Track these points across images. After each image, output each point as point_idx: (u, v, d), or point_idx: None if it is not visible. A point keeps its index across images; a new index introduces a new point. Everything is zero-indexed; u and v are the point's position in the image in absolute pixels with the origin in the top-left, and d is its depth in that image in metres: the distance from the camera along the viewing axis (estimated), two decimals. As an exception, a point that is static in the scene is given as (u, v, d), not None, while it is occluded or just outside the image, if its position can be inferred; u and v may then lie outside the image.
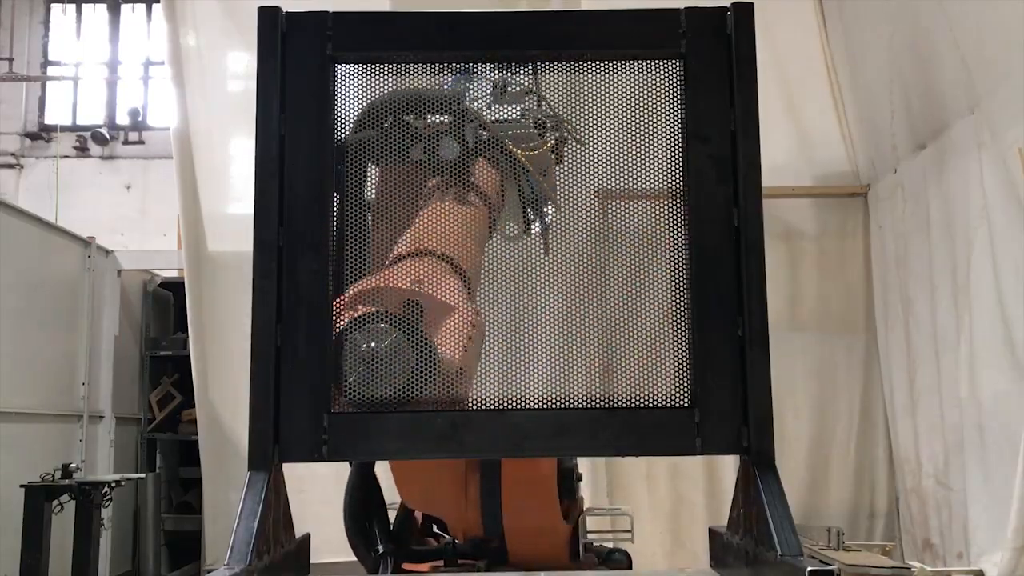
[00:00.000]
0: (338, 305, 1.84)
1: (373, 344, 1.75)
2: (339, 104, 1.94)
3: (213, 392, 5.60)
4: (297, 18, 1.95)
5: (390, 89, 1.98)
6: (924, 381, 4.68)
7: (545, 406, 1.84)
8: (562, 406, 1.84)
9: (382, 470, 2.55)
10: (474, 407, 1.86)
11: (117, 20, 11.86)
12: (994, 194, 3.91)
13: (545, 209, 2.08)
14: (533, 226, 2.07)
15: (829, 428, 5.40)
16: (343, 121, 1.95)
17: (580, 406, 1.83)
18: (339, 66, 1.94)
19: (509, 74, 2.01)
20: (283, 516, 1.85)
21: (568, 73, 2.01)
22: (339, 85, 1.94)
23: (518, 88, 2.02)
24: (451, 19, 1.97)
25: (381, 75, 1.98)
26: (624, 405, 1.83)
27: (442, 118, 2.03)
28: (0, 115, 11.32)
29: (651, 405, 1.83)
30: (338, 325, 1.81)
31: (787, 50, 5.55)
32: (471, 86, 2.02)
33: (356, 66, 1.96)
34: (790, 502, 1.74)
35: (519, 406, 1.84)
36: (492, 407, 1.85)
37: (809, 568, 1.52)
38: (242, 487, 1.75)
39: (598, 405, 1.83)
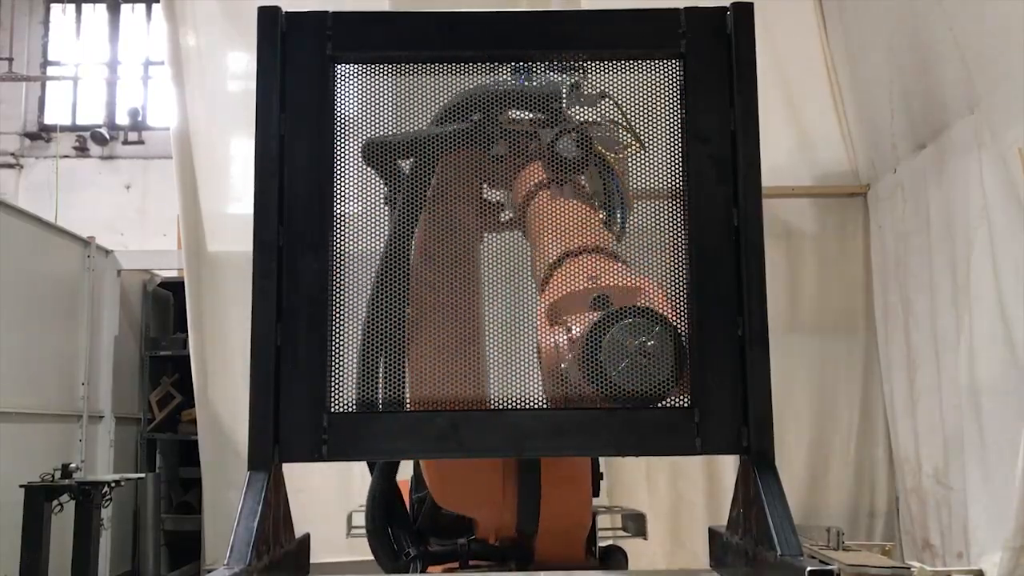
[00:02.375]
0: (549, 307, 1.81)
1: (643, 339, 1.72)
2: (339, 104, 1.94)
3: (213, 392, 5.60)
4: (297, 18, 1.95)
5: (476, 84, 1.96)
6: (924, 381, 4.68)
7: (545, 406, 1.84)
8: (562, 406, 1.83)
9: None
10: (474, 407, 1.86)
11: (117, 20, 11.87)
12: (994, 194, 3.91)
13: (627, 215, 2.05)
14: (614, 229, 2.05)
15: (829, 428, 5.40)
16: (343, 120, 1.94)
17: (580, 406, 1.83)
18: (339, 66, 1.94)
19: (581, 74, 1.99)
20: (283, 516, 1.85)
21: (568, 73, 2.01)
22: (339, 85, 1.94)
23: (593, 91, 2.00)
24: (451, 19, 1.97)
25: (381, 75, 1.98)
26: (630, 400, 1.82)
27: (526, 115, 2.00)
28: (0, 115, 11.31)
29: (656, 400, 1.83)
30: (572, 322, 1.77)
31: (787, 50, 5.55)
32: (551, 89, 1.99)
33: (356, 66, 1.96)
34: (790, 502, 1.74)
35: (519, 406, 1.84)
36: (492, 407, 1.85)
37: (809, 568, 1.52)
38: (242, 487, 1.75)
39: (598, 405, 1.83)
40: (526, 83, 1.98)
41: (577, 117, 2.03)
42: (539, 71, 2.00)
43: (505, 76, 1.99)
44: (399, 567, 2.38)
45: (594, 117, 2.04)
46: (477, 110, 1.97)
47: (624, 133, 1.98)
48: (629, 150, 1.98)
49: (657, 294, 1.83)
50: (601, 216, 2.03)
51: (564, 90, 2.01)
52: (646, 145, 1.93)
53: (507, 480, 2.20)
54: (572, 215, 1.99)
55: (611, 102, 1.98)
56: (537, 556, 2.28)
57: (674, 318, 1.78)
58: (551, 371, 1.80)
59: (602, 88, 1.99)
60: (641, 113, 1.94)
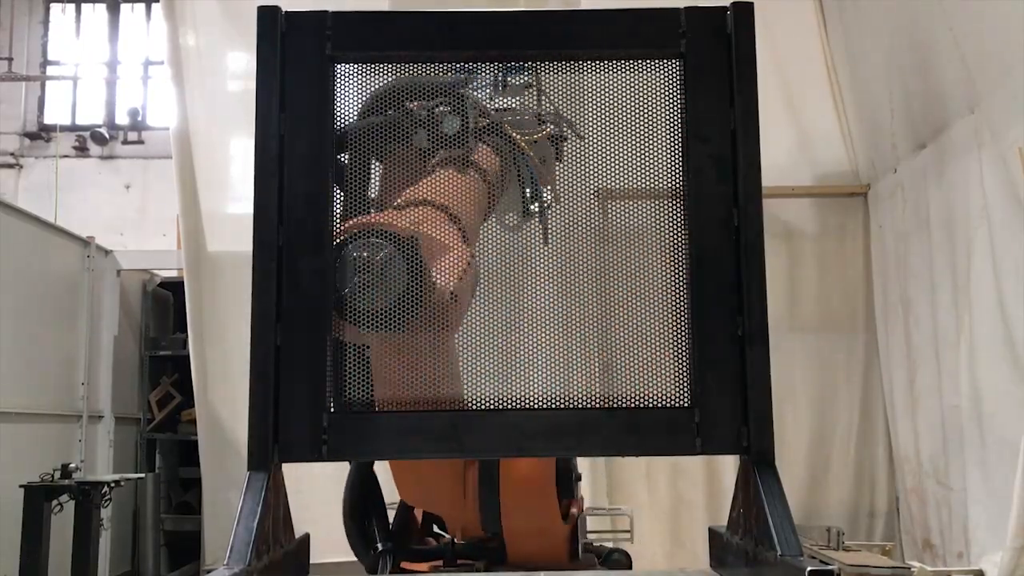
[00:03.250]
0: (337, 232, 1.85)
1: (368, 254, 1.75)
2: (339, 104, 1.94)
3: (213, 392, 5.60)
4: (296, 18, 1.95)
5: (393, 79, 1.99)
6: (924, 381, 4.68)
7: (545, 406, 1.84)
8: (562, 406, 1.83)
9: (381, 469, 2.55)
10: (474, 407, 1.85)
11: (116, 20, 11.86)
12: (994, 194, 3.91)
13: (545, 197, 2.09)
14: (532, 210, 2.09)
15: (829, 428, 5.40)
16: (343, 119, 1.94)
17: (580, 406, 1.83)
18: (338, 65, 1.94)
19: (511, 71, 2.02)
20: (283, 516, 1.84)
21: (568, 73, 2.01)
22: (339, 85, 1.94)
23: (518, 83, 2.03)
24: (451, 19, 1.97)
25: (381, 75, 1.98)
26: (624, 405, 1.83)
27: (444, 103, 2.05)
28: (0, 115, 11.31)
29: (651, 405, 1.83)
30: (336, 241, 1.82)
31: (787, 50, 5.55)
32: (472, 80, 2.04)
33: (356, 66, 1.96)
34: (790, 502, 1.74)
35: (519, 406, 1.84)
36: (492, 407, 1.85)
37: (809, 568, 1.52)
38: (242, 487, 1.75)
39: (598, 405, 1.83)
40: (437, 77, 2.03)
41: (499, 106, 2.10)
42: (481, 70, 2.05)
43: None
44: (371, 561, 2.38)
45: (517, 105, 2.11)
46: (391, 104, 2.00)
47: (555, 121, 2.06)
48: (546, 135, 2.07)
49: (459, 256, 1.84)
50: (484, 193, 2.08)
51: (481, 82, 2.04)
52: (583, 136, 1.96)
53: (468, 480, 2.21)
54: (440, 180, 2.02)
55: (535, 91, 2.03)
56: (510, 556, 2.29)
57: (441, 267, 1.80)
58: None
59: (527, 79, 2.02)
60: (641, 112, 1.94)
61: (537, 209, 2.09)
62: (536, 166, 2.09)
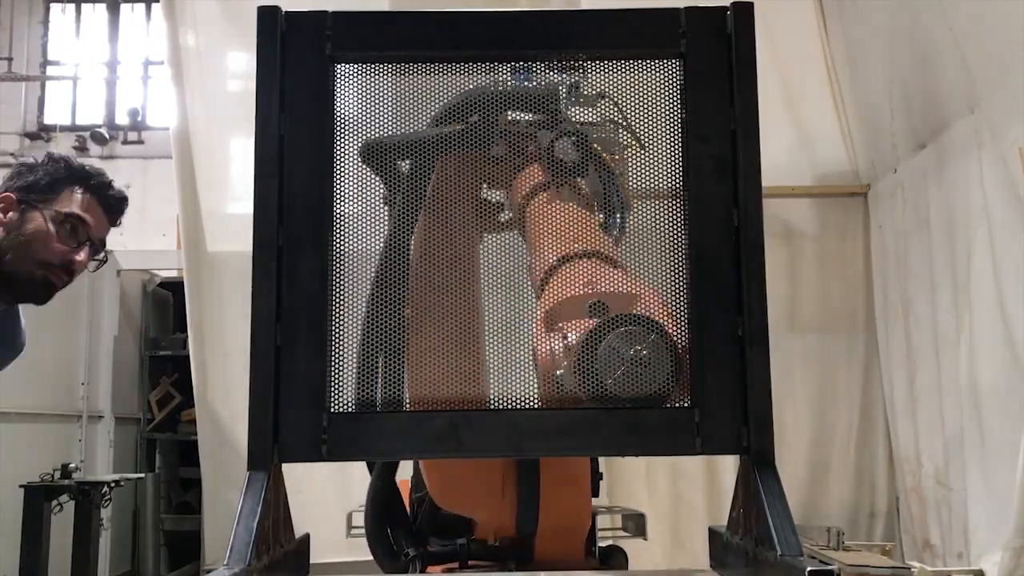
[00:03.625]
0: (545, 318, 1.82)
1: (638, 347, 1.73)
2: (339, 104, 1.93)
3: (212, 392, 5.59)
4: (296, 18, 1.94)
5: (474, 85, 1.96)
6: (924, 381, 4.68)
7: (545, 406, 1.83)
8: (562, 406, 1.83)
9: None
10: (474, 407, 1.85)
11: (116, 20, 11.86)
12: (994, 194, 3.91)
13: (627, 216, 2.04)
14: (612, 232, 2.04)
15: (829, 428, 5.40)
16: (343, 120, 1.94)
17: (580, 406, 1.83)
18: (339, 66, 1.94)
19: (579, 74, 1.98)
20: (283, 516, 1.84)
21: (567, 73, 2.01)
22: (339, 85, 1.94)
23: (591, 91, 2.00)
24: (451, 19, 1.97)
25: (381, 75, 1.97)
26: (624, 405, 1.82)
27: (527, 116, 2.00)
28: (-1, 115, 11.32)
29: (651, 405, 1.82)
30: (566, 330, 1.78)
31: (787, 50, 5.55)
32: (536, 83, 1.99)
33: (356, 66, 1.95)
34: (790, 502, 1.74)
35: (519, 406, 1.84)
36: (492, 407, 1.85)
37: (809, 568, 1.51)
38: (242, 487, 1.75)
39: (598, 405, 1.83)
40: (525, 84, 1.98)
41: (576, 118, 2.03)
42: (539, 71, 2.00)
43: (504, 76, 1.98)
44: (398, 567, 2.38)
45: (592, 117, 2.03)
46: (475, 111, 1.96)
47: (623, 133, 1.98)
48: (628, 151, 1.97)
49: (654, 301, 1.83)
50: (599, 219, 2.02)
51: (562, 91, 2.00)
52: (645, 145, 1.93)
53: (506, 480, 2.20)
54: (569, 218, 1.98)
55: (610, 102, 1.97)
56: (536, 556, 2.28)
57: (671, 326, 1.78)
58: (547, 377, 1.80)
59: (601, 88, 1.98)
60: (641, 113, 1.94)
61: (619, 229, 2.04)
62: (623, 188, 2.04)
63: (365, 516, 2.47)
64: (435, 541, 2.46)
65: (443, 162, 1.98)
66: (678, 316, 1.85)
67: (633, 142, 1.95)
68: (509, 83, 1.97)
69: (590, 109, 2.02)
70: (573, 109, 2.04)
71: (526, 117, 2.02)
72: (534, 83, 1.99)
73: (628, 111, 1.95)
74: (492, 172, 2.02)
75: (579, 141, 1.97)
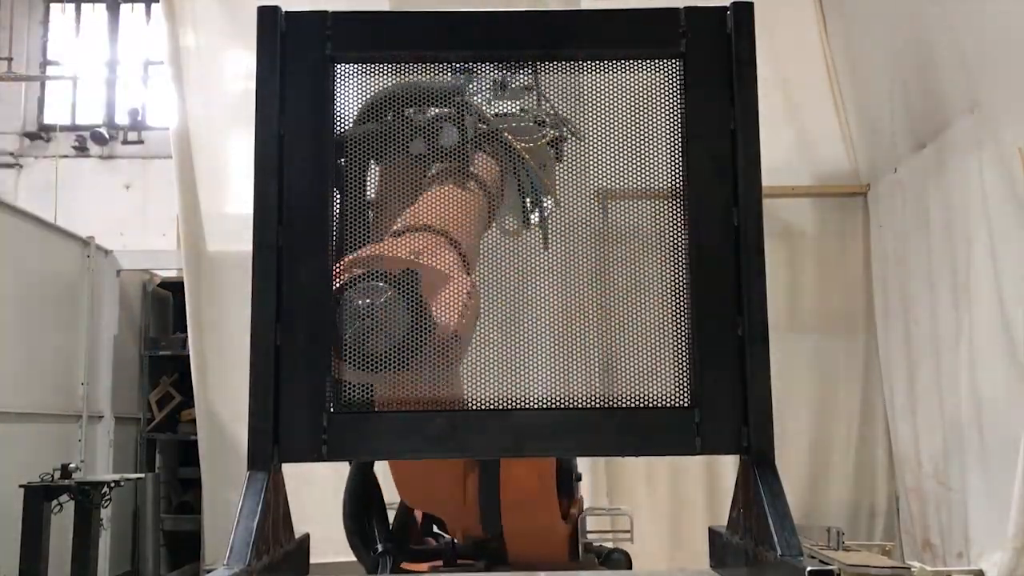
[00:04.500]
0: (336, 271, 1.83)
1: (368, 300, 1.73)
2: (338, 104, 1.93)
3: (212, 392, 5.59)
4: (296, 17, 1.94)
5: (390, 84, 1.98)
6: (924, 381, 4.68)
7: (545, 406, 1.83)
8: (562, 406, 1.83)
9: (381, 469, 2.55)
10: (474, 407, 1.85)
11: (116, 20, 11.85)
12: (994, 194, 3.91)
13: (544, 203, 2.07)
14: (532, 218, 2.07)
15: (829, 428, 5.40)
16: (343, 120, 1.94)
17: (580, 406, 1.83)
18: (338, 66, 1.94)
19: (509, 73, 2.01)
20: (283, 516, 1.84)
21: (568, 73, 2.01)
22: (338, 85, 1.94)
23: (518, 85, 2.02)
24: (451, 19, 1.97)
25: (381, 75, 1.97)
26: (624, 405, 1.83)
27: (443, 111, 2.03)
28: (-1, 115, 11.31)
29: (651, 405, 1.83)
30: (335, 285, 1.80)
31: (787, 50, 5.55)
32: (471, 83, 2.02)
33: (356, 66, 1.95)
34: (790, 502, 1.74)
35: (519, 406, 1.83)
36: (492, 407, 1.85)
37: (809, 568, 1.51)
38: (241, 487, 1.74)
39: (598, 405, 1.83)
40: (435, 80, 2.00)
41: (499, 110, 2.07)
42: (479, 71, 2.02)
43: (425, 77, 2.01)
44: (371, 562, 2.38)
45: (517, 110, 2.07)
46: (388, 110, 1.98)
47: (555, 123, 2.01)
48: (546, 141, 2.03)
49: (460, 286, 1.83)
50: (483, 206, 2.04)
51: (477, 86, 2.02)
52: (580, 136, 1.95)
53: (468, 480, 2.21)
54: (438, 198, 1.99)
55: (536, 94, 2.00)
56: (511, 556, 2.28)
57: (442, 303, 1.78)
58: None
59: (527, 82, 2.01)
60: (642, 112, 1.94)
61: (538, 216, 2.07)
62: (537, 174, 2.07)
63: (343, 513, 2.47)
64: (411, 541, 2.47)
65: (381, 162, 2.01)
66: (678, 317, 1.85)
67: (569, 133, 1.99)
68: (423, 80, 2.00)
69: (516, 102, 2.05)
70: (498, 103, 2.07)
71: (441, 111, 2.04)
72: (449, 78, 2.01)
73: (554, 103, 1.99)
74: (416, 170, 2.03)
75: (464, 128, 1.99)
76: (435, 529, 2.56)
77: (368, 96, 1.97)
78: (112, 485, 5.34)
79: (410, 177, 2.04)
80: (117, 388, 6.63)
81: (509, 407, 1.83)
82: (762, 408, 1.80)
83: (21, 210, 5.80)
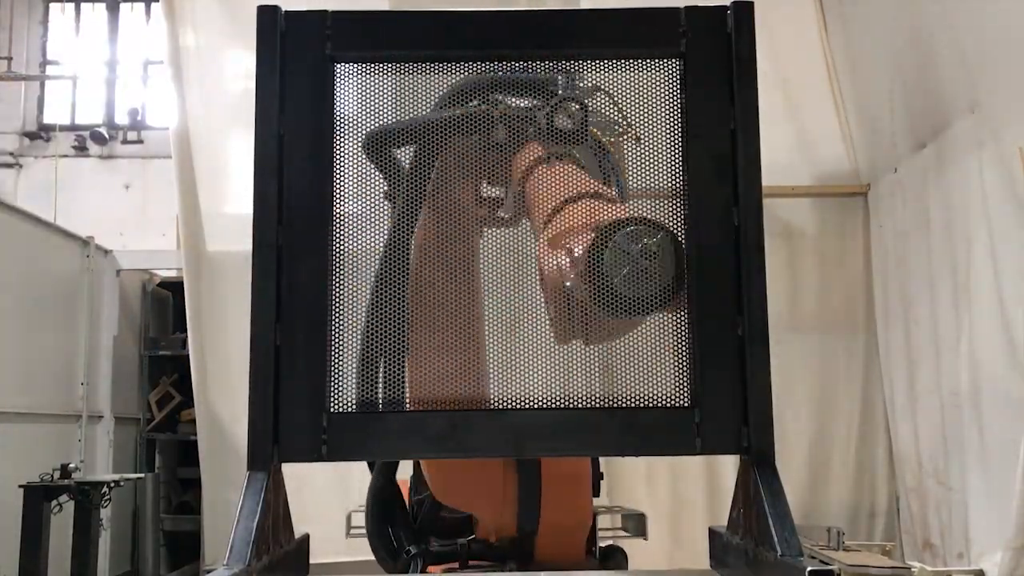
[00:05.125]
0: (552, 234, 1.80)
1: (647, 240, 1.69)
2: (338, 103, 1.93)
3: (212, 392, 5.59)
4: (296, 17, 1.94)
5: (473, 75, 1.97)
6: (924, 381, 4.68)
7: (545, 406, 1.83)
8: (562, 406, 1.83)
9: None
10: (473, 407, 1.85)
11: (116, 19, 11.85)
12: (994, 194, 3.91)
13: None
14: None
15: (829, 428, 5.40)
16: (342, 120, 1.94)
17: (580, 406, 1.83)
18: (338, 65, 1.94)
19: (573, 70, 1.99)
20: (282, 516, 1.84)
21: (567, 73, 2.01)
22: (338, 84, 1.93)
23: (587, 85, 2.00)
24: (451, 18, 1.97)
25: (380, 74, 1.97)
26: (624, 405, 1.82)
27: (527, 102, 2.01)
28: (-1, 114, 11.31)
29: (651, 405, 1.82)
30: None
31: (787, 49, 5.55)
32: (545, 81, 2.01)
33: (355, 65, 1.95)
34: (790, 502, 1.74)
35: (519, 406, 1.83)
36: (492, 407, 1.85)
37: (809, 568, 1.51)
38: (241, 487, 1.74)
39: (598, 405, 1.83)
40: (522, 72, 1.99)
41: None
42: (536, 72, 2.01)
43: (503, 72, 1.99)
44: (399, 566, 2.37)
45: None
46: (475, 96, 1.96)
47: (621, 124, 1.98)
48: (623, 139, 1.98)
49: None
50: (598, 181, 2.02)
51: (560, 79, 2.01)
52: (641, 138, 1.93)
53: (507, 478, 2.20)
54: (570, 174, 1.96)
55: (605, 96, 1.98)
56: (537, 556, 2.28)
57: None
58: (555, 292, 1.77)
59: (595, 83, 1.99)
60: (641, 112, 1.94)
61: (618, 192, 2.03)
62: (621, 169, 2.04)
63: (366, 515, 2.47)
64: (436, 541, 2.46)
65: (445, 154, 1.98)
66: (678, 317, 1.85)
67: (629, 133, 1.96)
68: (508, 71, 1.98)
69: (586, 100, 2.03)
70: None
71: (524, 103, 2.02)
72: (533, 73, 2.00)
73: (622, 104, 1.96)
74: (493, 159, 2.01)
75: (577, 110, 1.97)
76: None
77: (455, 83, 1.96)
78: (112, 485, 5.34)
79: (495, 167, 2.01)
80: (117, 388, 6.63)
81: (509, 407, 1.83)
82: (762, 408, 1.80)
83: (21, 210, 5.80)
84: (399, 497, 2.50)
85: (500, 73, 1.98)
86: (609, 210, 1.81)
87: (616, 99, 1.96)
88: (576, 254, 1.73)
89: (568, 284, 1.74)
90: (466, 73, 1.98)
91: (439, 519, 2.45)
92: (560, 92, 1.99)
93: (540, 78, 1.99)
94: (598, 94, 1.99)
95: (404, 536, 2.42)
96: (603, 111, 2.01)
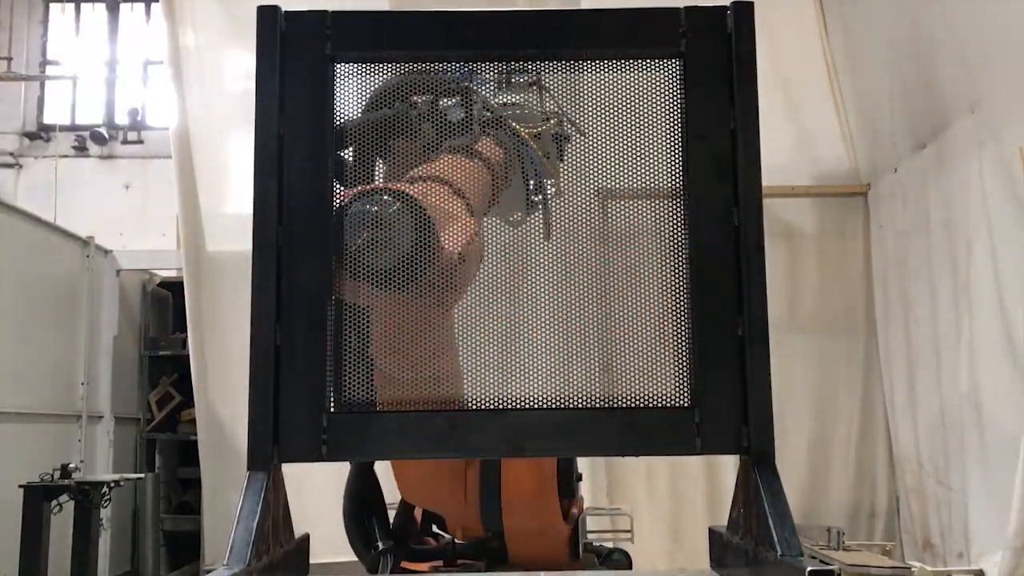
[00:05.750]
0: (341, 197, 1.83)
1: (377, 208, 1.72)
2: (338, 103, 1.93)
3: (212, 392, 5.59)
4: (296, 17, 1.94)
5: (396, 75, 1.99)
6: (924, 381, 4.68)
7: (545, 406, 1.83)
8: (562, 406, 1.83)
9: (382, 469, 2.54)
10: (474, 407, 1.85)
11: (116, 19, 11.85)
12: (994, 194, 3.91)
13: (548, 191, 2.08)
14: (534, 205, 2.08)
15: (829, 428, 5.40)
16: (344, 117, 1.94)
17: (580, 406, 1.83)
18: (338, 65, 1.94)
19: (515, 70, 2.02)
20: (282, 516, 1.84)
21: (568, 72, 2.01)
22: (338, 84, 1.93)
23: (523, 81, 2.03)
24: (451, 19, 1.97)
25: (380, 74, 1.97)
26: (624, 405, 1.82)
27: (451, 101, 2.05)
28: (-1, 115, 11.31)
29: (651, 405, 1.82)
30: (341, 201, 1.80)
31: (788, 49, 5.55)
32: (477, 77, 2.04)
33: (355, 65, 1.95)
34: (790, 502, 1.74)
35: (519, 406, 1.83)
36: (492, 407, 1.84)
37: (809, 568, 1.51)
38: (242, 487, 1.74)
39: (598, 405, 1.83)
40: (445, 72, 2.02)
41: (502, 102, 2.09)
42: (484, 69, 2.05)
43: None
44: (371, 560, 2.38)
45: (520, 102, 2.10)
46: (395, 100, 1.99)
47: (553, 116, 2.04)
48: (550, 129, 2.05)
49: (464, 225, 1.83)
50: (488, 178, 2.06)
51: (487, 79, 2.05)
52: (585, 132, 1.95)
53: (469, 478, 2.20)
54: (444, 162, 2.00)
55: (543, 90, 2.01)
56: (511, 556, 2.28)
57: (448, 226, 1.78)
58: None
59: (531, 77, 2.02)
60: (641, 112, 1.94)
61: (540, 201, 2.08)
62: (540, 159, 2.07)
63: (343, 512, 2.46)
64: (432, 538, 2.47)
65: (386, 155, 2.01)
66: (678, 317, 1.85)
67: (574, 130, 2.00)
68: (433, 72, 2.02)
69: (521, 95, 2.08)
70: (505, 96, 2.09)
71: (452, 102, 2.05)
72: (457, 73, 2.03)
73: (560, 100, 2.01)
74: (422, 155, 2.04)
75: (464, 101, 2.01)
76: (435, 528, 2.56)
77: (374, 87, 1.97)
78: (112, 485, 5.34)
79: (417, 164, 2.04)
80: (117, 388, 6.63)
81: (509, 407, 1.83)
82: (762, 408, 1.80)
83: (21, 210, 5.80)
84: (376, 492, 2.50)
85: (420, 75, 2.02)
86: (433, 196, 1.85)
87: (553, 94, 2.01)
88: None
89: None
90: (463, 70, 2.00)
91: (410, 516, 2.46)
92: (468, 94, 2.03)
93: (451, 76, 2.02)
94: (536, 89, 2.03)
95: (377, 531, 2.42)
96: (532, 105, 2.08)
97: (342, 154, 1.95)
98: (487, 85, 2.07)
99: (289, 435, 1.80)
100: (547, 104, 2.07)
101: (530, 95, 2.08)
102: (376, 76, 1.97)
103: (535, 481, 2.26)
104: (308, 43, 1.92)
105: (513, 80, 2.04)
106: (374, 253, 1.73)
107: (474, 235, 1.84)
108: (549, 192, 2.08)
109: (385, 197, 1.73)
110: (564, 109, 2.01)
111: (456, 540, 2.35)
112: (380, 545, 2.37)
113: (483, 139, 2.07)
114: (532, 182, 2.10)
